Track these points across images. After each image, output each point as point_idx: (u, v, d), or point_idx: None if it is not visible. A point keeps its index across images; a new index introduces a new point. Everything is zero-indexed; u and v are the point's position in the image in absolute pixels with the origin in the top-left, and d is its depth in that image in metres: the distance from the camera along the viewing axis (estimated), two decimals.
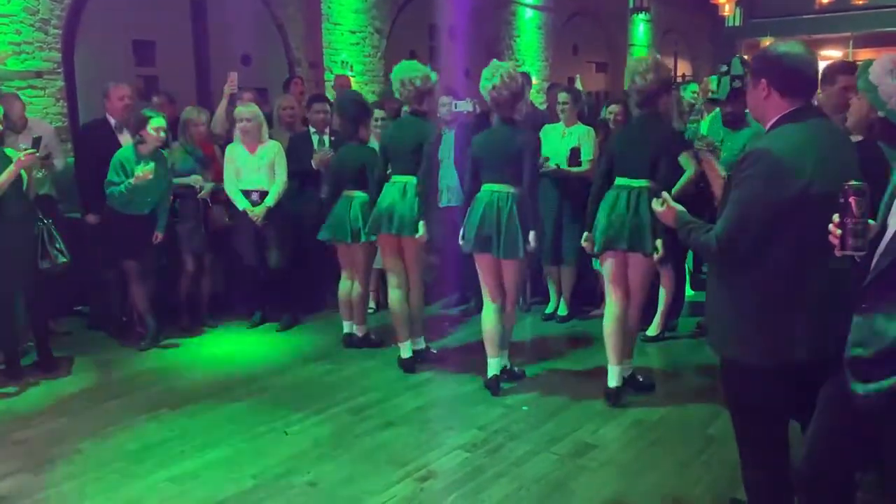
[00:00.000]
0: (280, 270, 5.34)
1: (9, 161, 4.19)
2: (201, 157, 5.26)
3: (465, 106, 5.65)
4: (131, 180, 4.61)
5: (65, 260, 4.51)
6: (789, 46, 2.23)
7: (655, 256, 3.80)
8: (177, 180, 5.08)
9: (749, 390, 2.26)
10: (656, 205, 2.52)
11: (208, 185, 5.20)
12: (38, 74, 5.99)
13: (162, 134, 4.76)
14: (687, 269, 5.56)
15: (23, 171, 4.22)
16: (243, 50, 7.65)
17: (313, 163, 5.37)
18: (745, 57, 4.73)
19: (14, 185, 4.19)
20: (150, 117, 4.73)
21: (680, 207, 2.46)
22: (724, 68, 4.53)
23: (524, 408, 3.94)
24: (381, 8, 9.03)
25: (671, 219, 2.46)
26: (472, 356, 4.59)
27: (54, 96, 6.12)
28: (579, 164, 5.24)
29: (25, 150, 4.26)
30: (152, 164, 4.65)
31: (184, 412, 3.95)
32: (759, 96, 2.23)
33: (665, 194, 2.54)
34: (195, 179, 5.14)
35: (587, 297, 5.63)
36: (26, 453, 3.49)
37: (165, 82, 6.92)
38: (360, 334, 4.98)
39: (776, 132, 2.18)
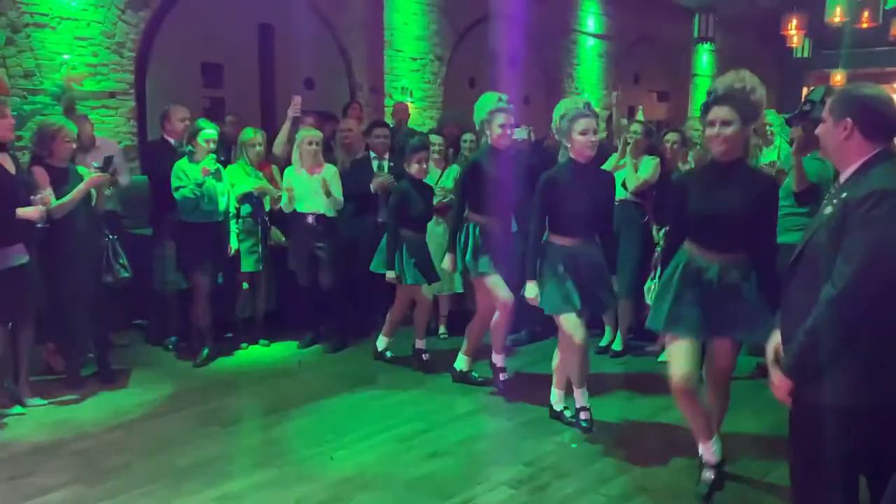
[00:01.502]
0: (332, 292, 5.38)
1: (80, 178, 4.36)
2: (260, 177, 5.37)
3: (521, 133, 5.64)
4: (198, 178, 4.77)
5: (127, 274, 4.65)
6: (873, 89, 2.19)
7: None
8: (236, 192, 5.19)
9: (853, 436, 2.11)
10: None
11: (270, 194, 5.29)
12: (112, 95, 6.25)
13: (212, 145, 4.90)
14: None
15: (92, 189, 4.39)
16: (307, 74, 7.83)
17: (372, 187, 5.43)
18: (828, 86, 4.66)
19: (83, 201, 4.35)
20: (202, 128, 4.91)
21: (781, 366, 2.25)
22: (808, 92, 4.51)
23: (573, 445, 3.85)
24: (443, 35, 9.14)
25: (786, 383, 2.22)
26: (522, 389, 4.52)
27: (125, 116, 6.36)
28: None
29: (97, 168, 4.43)
30: (212, 156, 4.84)
31: (234, 430, 3.99)
32: (838, 136, 2.16)
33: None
34: (261, 188, 5.25)
35: (643, 332, 5.50)
36: (82, 464, 3.57)
37: (232, 104, 7.14)
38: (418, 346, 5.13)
39: (880, 171, 2.09)
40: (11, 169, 4.05)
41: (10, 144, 4.22)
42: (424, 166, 4.89)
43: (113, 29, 6.22)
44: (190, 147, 4.92)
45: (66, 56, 5.87)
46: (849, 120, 2.14)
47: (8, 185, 3.97)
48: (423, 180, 4.93)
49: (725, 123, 3.04)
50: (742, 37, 13.67)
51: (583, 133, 3.71)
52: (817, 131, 2.25)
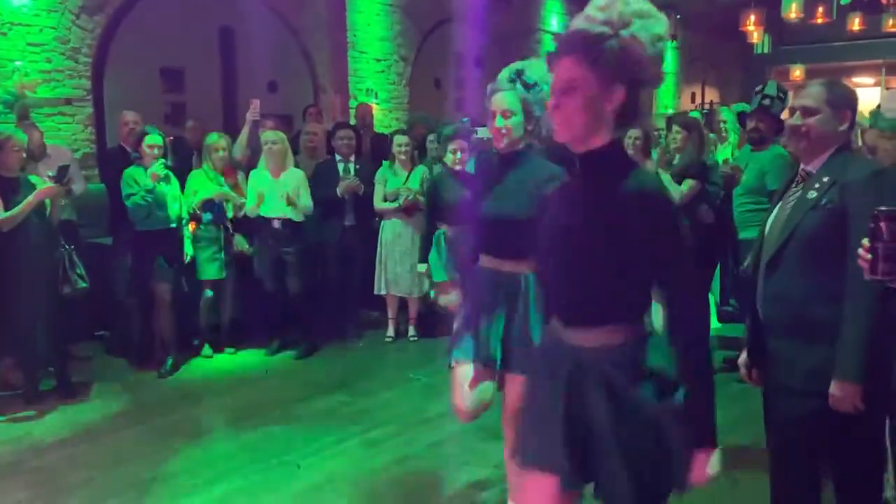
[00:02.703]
0: (299, 298, 5.32)
1: (32, 188, 4.24)
2: (223, 183, 5.29)
3: (485, 133, 5.64)
4: (148, 185, 4.72)
5: (85, 285, 4.54)
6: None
7: None
8: (197, 199, 5.10)
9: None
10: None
11: (233, 200, 5.21)
12: (68, 101, 6.10)
13: (156, 151, 4.83)
14: (713, 302, 5.43)
15: (46, 199, 4.28)
16: (270, 77, 7.74)
17: (339, 190, 5.38)
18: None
19: (37, 212, 4.24)
20: (147, 134, 4.86)
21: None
22: (759, 87, 4.55)
23: None
24: (407, 36, 9.10)
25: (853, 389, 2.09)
26: None
27: (83, 123, 6.22)
28: None
29: (50, 177, 4.32)
30: (161, 161, 4.79)
31: (199, 441, 3.91)
32: (836, 126, 2.21)
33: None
34: (221, 194, 5.17)
35: None
36: (41, 481, 3.47)
37: (193, 109, 7.03)
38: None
39: (849, 156, 2.23)
40: None
41: None
42: (461, 155, 4.79)
43: (67, 34, 6.07)
44: (137, 154, 4.85)
45: (17, 62, 5.72)
46: (849, 111, 2.23)
47: None
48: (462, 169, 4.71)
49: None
50: (704, 34, 13.85)
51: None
52: (812, 121, 2.21)
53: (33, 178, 4.36)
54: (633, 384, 1.71)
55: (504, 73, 2.69)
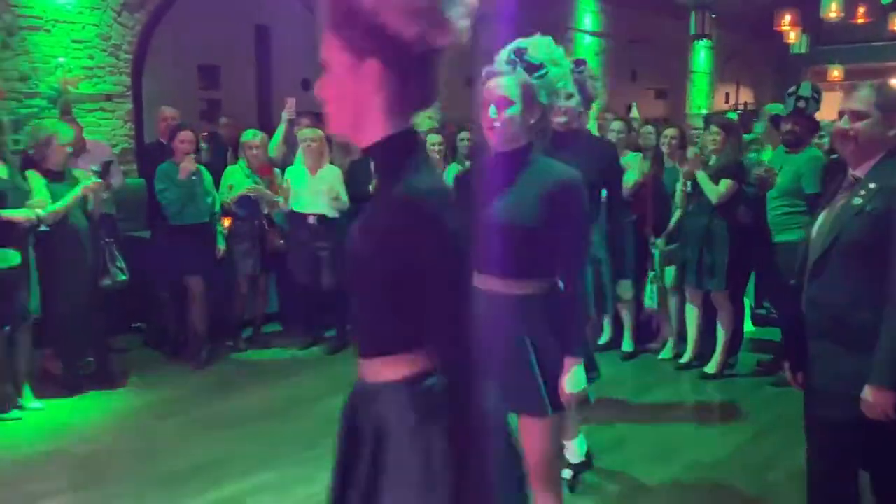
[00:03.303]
0: (333, 293, 5.37)
1: (76, 182, 4.35)
2: (260, 179, 5.36)
3: None
4: (179, 179, 4.81)
5: (124, 278, 4.64)
6: None
7: None
8: (232, 194, 5.18)
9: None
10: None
11: (267, 197, 5.28)
12: (108, 97, 6.22)
13: (187, 146, 4.93)
14: (747, 305, 5.37)
15: (88, 193, 4.38)
16: (304, 75, 7.80)
17: (371, 188, 5.42)
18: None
19: (79, 206, 4.34)
20: (180, 129, 4.98)
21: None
22: (793, 89, 4.48)
23: None
24: None
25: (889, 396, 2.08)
26: None
27: (122, 118, 6.33)
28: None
29: (94, 172, 4.43)
30: (192, 156, 4.89)
31: (234, 433, 3.97)
32: (885, 131, 2.19)
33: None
34: (256, 189, 5.24)
35: (641, 330, 5.48)
36: (80, 469, 3.55)
37: (228, 106, 7.12)
38: None
39: None
40: (2, 173, 4.04)
41: (3, 149, 4.20)
42: None
43: (109, 31, 6.19)
44: (171, 148, 4.98)
45: (61, 59, 5.85)
46: None
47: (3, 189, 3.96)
48: None
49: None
50: (739, 33, 13.66)
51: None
52: (860, 125, 2.20)
53: (77, 172, 4.47)
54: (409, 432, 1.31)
55: (503, 54, 2.29)
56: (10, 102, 5.50)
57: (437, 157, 5.63)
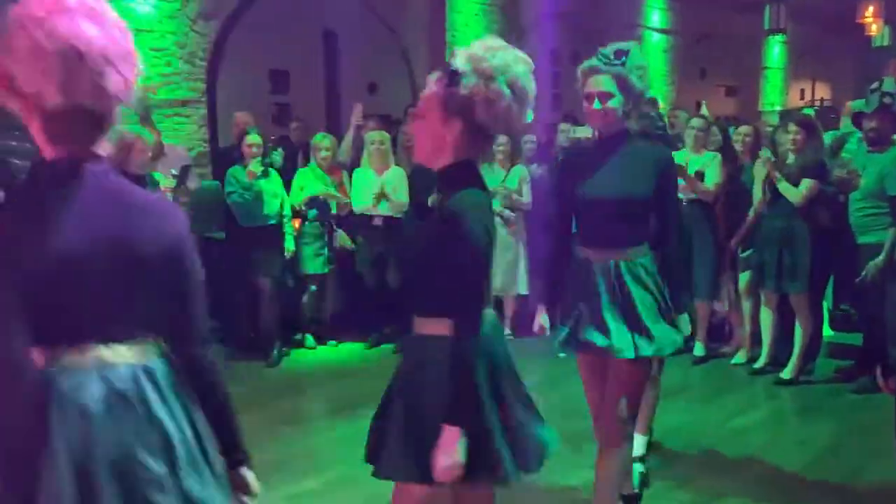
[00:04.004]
0: (399, 292, 5.42)
1: (156, 185, 4.53)
2: (330, 181, 5.47)
3: (584, 132, 5.57)
4: (246, 183, 4.96)
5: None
6: None
7: None
8: (303, 196, 5.30)
9: None
10: None
11: (336, 199, 5.40)
12: (184, 103, 6.44)
13: (255, 150, 5.06)
14: (826, 308, 5.17)
15: (169, 195, 4.56)
16: (370, 78, 7.93)
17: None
18: None
19: None
20: (247, 133, 5.12)
21: None
22: (876, 85, 4.32)
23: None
24: (504, 34, 9.09)
25: None
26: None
27: (198, 123, 6.55)
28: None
29: (174, 175, 4.62)
30: (258, 160, 5.01)
31: (305, 430, 4.06)
32: None
33: None
34: (326, 193, 5.35)
35: (713, 332, 5.34)
36: None
37: (297, 110, 7.28)
38: None
39: None
40: None
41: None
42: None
43: (185, 39, 6.42)
44: (240, 152, 5.16)
45: (141, 66, 6.09)
46: None
47: None
48: None
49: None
50: (816, 27, 13.16)
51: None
52: None
53: (157, 176, 4.65)
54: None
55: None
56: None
57: (502, 157, 5.63)
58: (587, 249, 2.63)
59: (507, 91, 1.86)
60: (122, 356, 1.45)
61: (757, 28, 11.73)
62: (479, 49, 1.89)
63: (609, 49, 2.57)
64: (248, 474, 1.77)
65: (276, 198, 5.17)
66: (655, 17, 11.18)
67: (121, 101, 1.54)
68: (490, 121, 1.90)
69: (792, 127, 4.60)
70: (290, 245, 5.28)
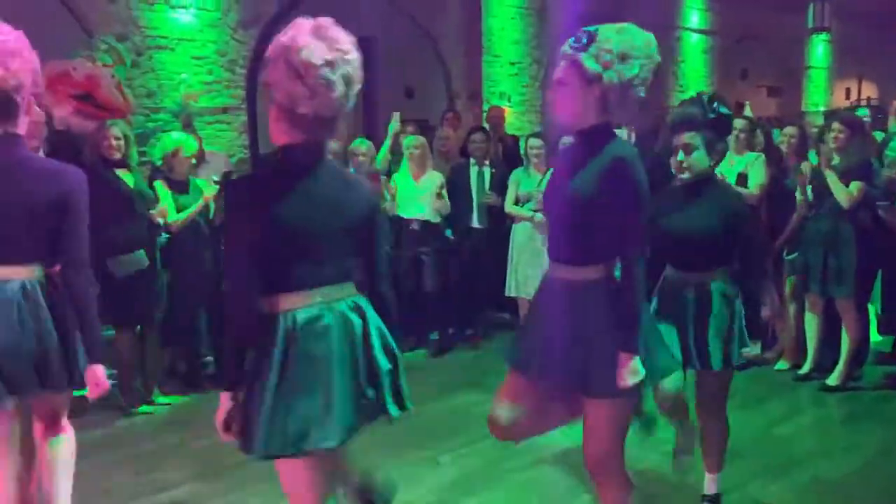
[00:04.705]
0: (434, 297, 5.44)
1: (199, 191, 4.62)
2: None
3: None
4: None
5: None
6: None
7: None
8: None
9: None
10: None
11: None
12: (225, 110, 6.58)
13: None
14: (872, 312, 5.03)
15: (211, 202, 4.65)
16: (407, 83, 7.97)
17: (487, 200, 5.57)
18: None
19: (201, 213, 4.61)
20: None
21: None
22: None
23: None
24: (541, 38, 9.09)
25: None
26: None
27: (238, 130, 6.68)
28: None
29: (215, 182, 4.70)
30: None
31: None
32: None
33: None
34: None
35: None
36: (201, 462, 3.75)
37: None
38: None
39: None
40: (130, 182, 4.37)
41: (131, 161, 4.52)
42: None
43: (226, 48, 6.55)
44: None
45: (184, 75, 6.24)
46: None
47: (127, 197, 4.27)
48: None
49: None
50: (861, 24, 12.85)
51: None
52: None
53: (200, 182, 4.74)
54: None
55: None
56: (137, 118, 5.91)
57: (537, 161, 5.60)
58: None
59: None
60: (15, 274, 2.30)
61: (800, 27, 11.51)
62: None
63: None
64: (99, 369, 2.45)
65: None
66: (695, 17, 11.04)
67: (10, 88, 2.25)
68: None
69: (835, 125, 4.48)
70: None
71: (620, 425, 2.37)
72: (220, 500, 3.37)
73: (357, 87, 1.96)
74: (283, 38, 1.88)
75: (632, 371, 2.21)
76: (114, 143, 4.31)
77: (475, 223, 5.63)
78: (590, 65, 2.19)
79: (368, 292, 2.11)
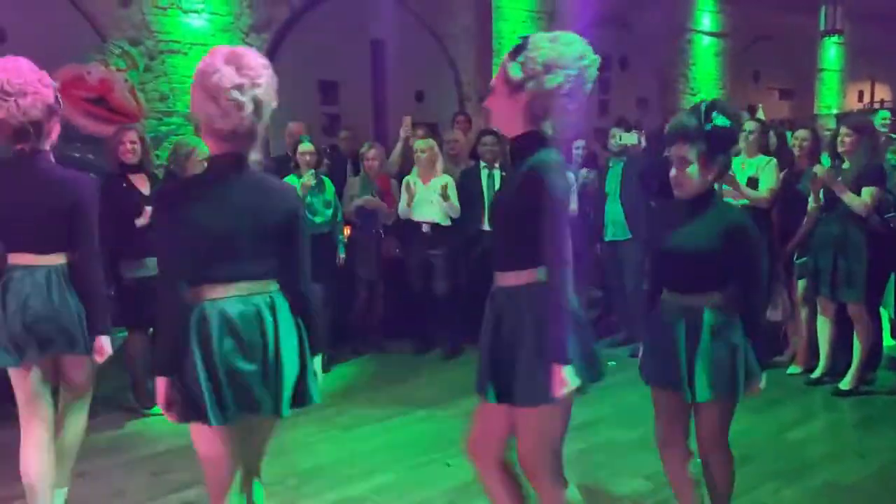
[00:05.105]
0: (446, 299, 5.45)
1: None
2: (378, 190, 5.54)
3: (630, 139, 5.46)
4: (300, 192, 5.00)
5: None
6: None
7: None
8: (352, 204, 5.38)
9: None
10: None
11: (382, 209, 5.47)
12: None
13: (308, 158, 5.12)
14: (885, 316, 5.00)
15: None
16: (417, 86, 7.98)
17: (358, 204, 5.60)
18: None
19: None
20: (300, 142, 5.21)
21: None
22: None
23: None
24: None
25: None
26: (636, 400, 4.39)
27: None
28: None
29: None
30: (311, 172, 5.07)
31: (353, 435, 4.10)
32: None
33: None
34: (370, 201, 5.42)
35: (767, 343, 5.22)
36: None
37: (347, 119, 7.38)
38: None
39: None
40: (145, 188, 4.40)
41: (149, 165, 4.55)
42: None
43: None
44: (294, 162, 5.25)
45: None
46: None
47: (142, 202, 4.31)
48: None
49: None
50: (874, 27, 12.76)
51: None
52: None
53: None
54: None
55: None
56: (150, 121, 5.95)
57: None
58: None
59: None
60: (43, 261, 2.79)
61: (812, 29, 11.43)
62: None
63: None
64: (104, 339, 2.87)
65: (328, 207, 5.25)
66: (706, 20, 11.00)
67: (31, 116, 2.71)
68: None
69: (843, 130, 4.44)
70: (341, 252, 5.35)
71: (549, 433, 2.34)
72: None
73: (269, 107, 2.17)
74: (201, 64, 2.11)
75: (561, 381, 2.16)
76: (129, 146, 4.35)
77: (486, 226, 5.64)
78: (514, 73, 2.20)
79: (290, 292, 2.29)
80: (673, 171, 2.59)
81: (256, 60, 2.13)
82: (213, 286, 2.14)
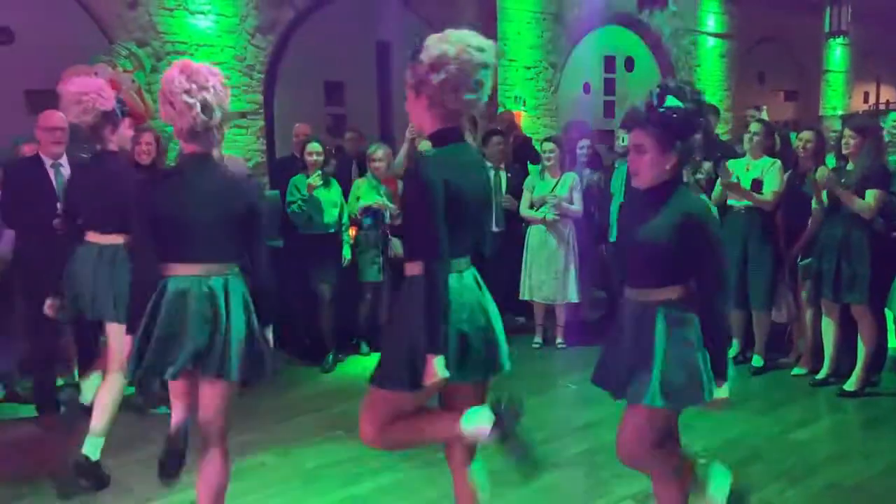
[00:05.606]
0: None
1: None
2: (385, 191, 5.55)
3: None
4: (305, 194, 5.06)
5: None
6: None
7: None
8: (359, 205, 5.40)
9: None
10: None
11: (389, 210, 5.49)
12: (243, 115, 6.64)
13: (315, 157, 5.15)
14: (890, 317, 5.00)
15: None
16: None
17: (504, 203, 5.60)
18: None
19: None
20: (308, 142, 5.23)
21: None
22: None
23: (701, 461, 3.71)
24: (557, 42, 9.09)
25: None
26: None
27: (255, 134, 6.73)
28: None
29: None
30: (319, 172, 5.09)
31: (359, 434, 4.11)
32: None
33: None
34: (378, 202, 5.44)
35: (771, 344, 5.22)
36: None
37: (352, 120, 7.40)
38: None
39: None
40: None
41: (162, 166, 4.58)
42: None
43: (244, 53, 6.61)
44: (303, 161, 5.26)
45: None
46: None
47: None
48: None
49: None
50: (880, 28, 12.74)
51: None
52: None
53: None
54: None
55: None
56: (158, 123, 5.97)
57: (549, 164, 5.61)
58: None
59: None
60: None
61: (817, 31, 11.42)
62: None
63: None
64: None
65: (335, 207, 5.26)
66: (711, 21, 11.00)
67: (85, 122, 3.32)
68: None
69: (846, 132, 4.43)
70: (346, 253, 5.37)
71: (387, 414, 2.67)
72: (241, 501, 3.40)
73: (219, 109, 2.54)
74: (164, 75, 2.53)
75: (431, 371, 2.30)
76: (144, 147, 4.40)
77: (493, 226, 5.65)
78: (409, 77, 2.35)
79: (247, 273, 2.68)
80: (628, 159, 2.51)
81: (207, 71, 2.53)
82: (176, 265, 2.55)
